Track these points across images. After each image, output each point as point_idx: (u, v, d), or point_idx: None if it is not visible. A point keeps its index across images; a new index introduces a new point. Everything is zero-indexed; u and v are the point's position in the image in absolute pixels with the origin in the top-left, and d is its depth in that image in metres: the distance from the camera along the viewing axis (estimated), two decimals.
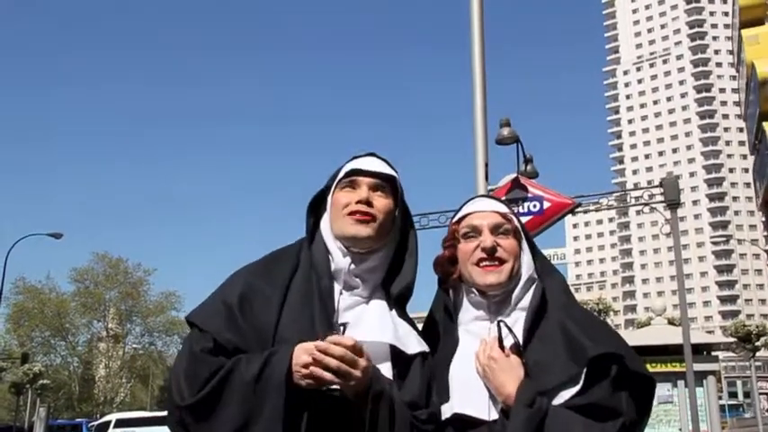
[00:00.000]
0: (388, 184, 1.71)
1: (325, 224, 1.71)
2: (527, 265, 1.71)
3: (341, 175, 1.72)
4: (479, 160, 7.92)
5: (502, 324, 1.60)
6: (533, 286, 1.69)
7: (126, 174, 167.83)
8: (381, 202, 1.67)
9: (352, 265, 1.64)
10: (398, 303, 1.71)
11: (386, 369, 1.58)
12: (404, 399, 1.55)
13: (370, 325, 1.61)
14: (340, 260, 1.65)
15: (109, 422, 34.76)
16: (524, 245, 1.73)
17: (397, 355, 1.61)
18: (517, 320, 1.65)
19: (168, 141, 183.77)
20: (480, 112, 7.92)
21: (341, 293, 1.64)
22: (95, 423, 36.28)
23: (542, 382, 1.53)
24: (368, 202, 1.65)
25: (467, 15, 8.16)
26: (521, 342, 1.59)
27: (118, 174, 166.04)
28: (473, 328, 1.69)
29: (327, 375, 1.42)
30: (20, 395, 44.76)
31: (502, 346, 1.58)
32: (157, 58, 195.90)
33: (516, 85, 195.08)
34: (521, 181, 8.43)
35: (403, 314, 1.71)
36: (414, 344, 1.66)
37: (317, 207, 1.75)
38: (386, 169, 1.72)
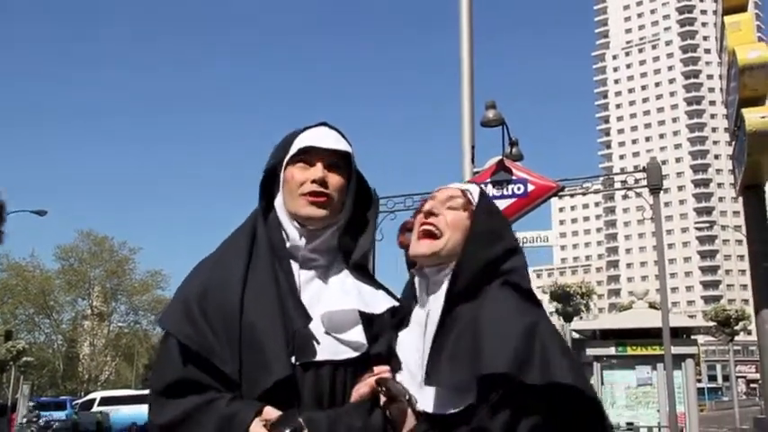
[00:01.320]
0: (342, 160, 1.67)
1: (279, 201, 1.67)
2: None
3: (293, 150, 1.66)
4: (466, 143, 7.95)
5: (388, 382, 1.55)
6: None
7: (113, 152, 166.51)
8: (336, 180, 1.64)
9: (308, 244, 1.64)
10: (358, 269, 1.70)
11: (357, 334, 1.60)
12: (376, 354, 1.59)
13: (333, 295, 1.62)
14: (296, 238, 1.64)
15: (93, 400, 34.80)
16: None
17: (366, 317, 1.62)
18: (438, 304, 1.61)
19: (157, 122, 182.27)
20: (467, 96, 7.94)
21: (300, 269, 1.63)
22: (80, 401, 36.28)
23: (437, 375, 1.49)
24: (323, 182, 1.62)
25: None
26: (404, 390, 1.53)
27: (104, 152, 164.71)
28: (415, 315, 1.68)
29: None
30: (3, 372, 44.63)
31: (392, 397, 1.52)
32: (151, 41, 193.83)
33: (504, 68, 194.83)
34: (505, 163, 8.46)
35: (365, 277, 1.70)
36: (381, 302, 1.67)
37: (269, 180, 1.70)
38: (340, 144, 1.67)
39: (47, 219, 30.78)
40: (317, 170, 1.63)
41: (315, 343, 1.55)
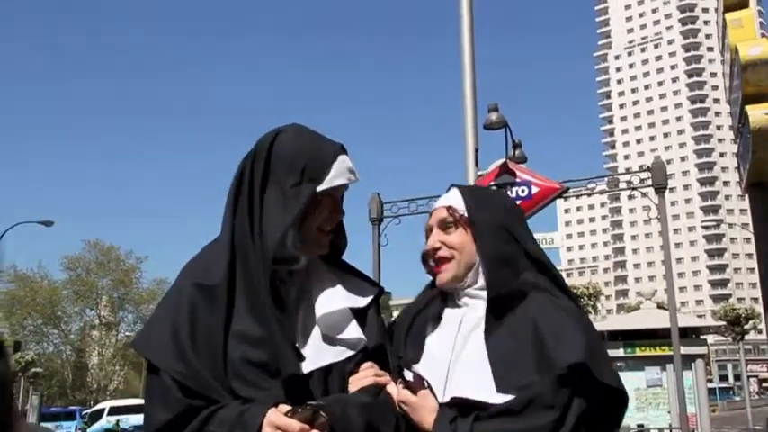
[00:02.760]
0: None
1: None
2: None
3: (331, 182, 1.57)
4: (469, 146, 7.93)
5: (408, 373, 1.60)
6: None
7: (118, 162, 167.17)
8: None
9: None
10: (330, 260, 1.70)
11: (354, 330, 1.60)
12: (370, 345, 1.59)
13: (323, 297, 1.61)
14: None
15: (102, 410, 34.88)
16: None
17: (356, 311, 1.63)
18: (476, 306, 1.65)
19: (161, 130, 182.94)
20: (470, 98, 7.92)
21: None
22: (89, 411, 36.33)
23: (506, 381, 1.49)
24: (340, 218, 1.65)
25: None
26: (430, 382, 1.56)
27: (110, 162, 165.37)
28: (450, 313, 1.71)
29: None
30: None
31: (411, 388, 1.56)
32: (147, 48, 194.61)
33: (506, 70, 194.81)
34: (509, 166, 8.44)
35: (339, 266, 1.70)
36: (366, 292, 1.68)
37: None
38: (357, 176, 1.65)
39: (53, 229, 30.87)
40: (340, 210, 1.65)
41: (314, 354, 1.54)
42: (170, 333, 1.48)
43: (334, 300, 1.60)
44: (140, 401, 36.56)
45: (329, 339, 1.57)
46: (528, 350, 1.51)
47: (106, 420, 32.98)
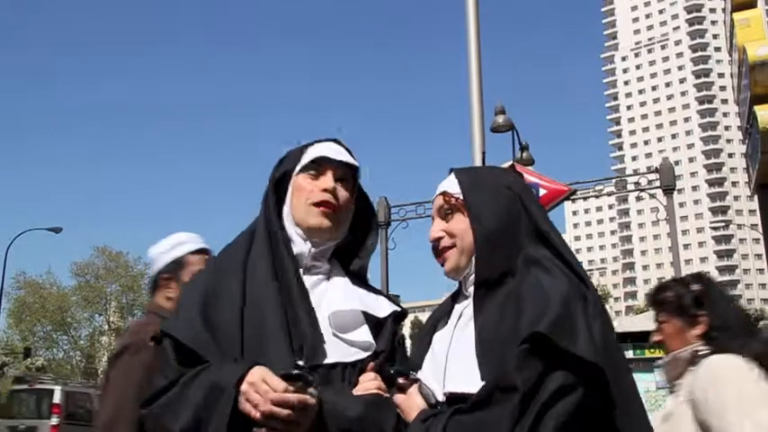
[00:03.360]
0: (349, 175, 1.70)
1: (286, 210, 1.67)
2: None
3: (305, 159, 1.67)
4: (476, 149, 7.90)
5: (392, 371, 1.57)
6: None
7: (124, 167, 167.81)
8: (343, 194, 1.66)
9: (313, 249, 1.66)
10: (356, 277, 1.72)
11: (364, 334, 1.60)
12: (378, 350, 1.60)
13: (338, 297, 1.63)
14: (301, 244, 1.64)
15: None
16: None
17: (370, 320, 1.63)
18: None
19: (167, 135, 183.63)
20: (477, 101, 7.90)
21: (303, 274, 1.63)
22: None
23: (488, 368, 1.41)
24: (333, 192, 1.63)
25: (462, 0, 8.14)
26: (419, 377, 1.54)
27: (116, 167, 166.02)
28: (457, 307, 1.65)
29: (252, 412, 1.36)
30: None
31: (402, 389, 1.54)
32: (161, 53, 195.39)
33: (512, 71, 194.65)
34: (516, 168, 8.43)
35: (364, 285, 1.73)
36: (385, 308, 1.68)
37: (276, 188, 1.70)
38: (350, 159, 1.69)
39: (62, 236, 31.00)
40: (328, 180, 1.65)
41: (324, 346, 1.54)
42: (184, 311, 1.54)
43: (347, 301, 1.62)
44: None
45: (338, 338, 1.58)
46: (509, 331, 1.40)
47: None
